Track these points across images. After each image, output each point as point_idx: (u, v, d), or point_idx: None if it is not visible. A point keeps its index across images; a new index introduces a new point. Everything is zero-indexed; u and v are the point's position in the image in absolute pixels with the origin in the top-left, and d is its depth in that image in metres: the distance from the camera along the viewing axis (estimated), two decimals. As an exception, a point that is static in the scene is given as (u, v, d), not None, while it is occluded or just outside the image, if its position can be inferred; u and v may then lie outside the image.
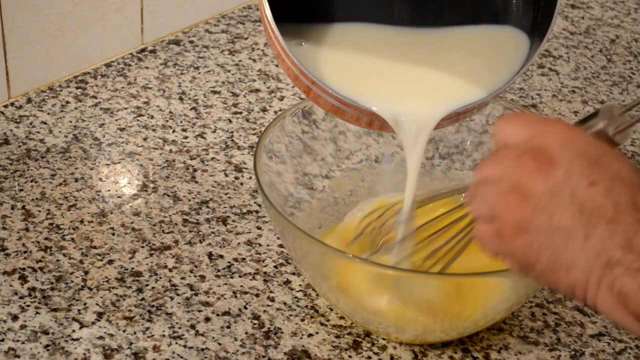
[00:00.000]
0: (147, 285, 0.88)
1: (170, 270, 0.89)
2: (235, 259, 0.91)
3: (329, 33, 0.82)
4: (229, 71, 1.17)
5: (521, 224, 0.60)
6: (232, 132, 1.07)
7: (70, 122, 1.07)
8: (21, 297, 0.85)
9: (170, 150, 1.04)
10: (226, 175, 1.01)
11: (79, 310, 0.85)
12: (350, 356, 0.82)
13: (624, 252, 0.57)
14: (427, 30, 0.83)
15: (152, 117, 1.09)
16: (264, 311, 0.86)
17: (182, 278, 0.88)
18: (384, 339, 0.84)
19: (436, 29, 0.83)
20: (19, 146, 1.03)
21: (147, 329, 0.83)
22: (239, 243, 0.93)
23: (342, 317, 0.86)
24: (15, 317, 0.83)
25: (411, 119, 0.79)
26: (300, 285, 0.89)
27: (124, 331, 0.83)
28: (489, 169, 0.62)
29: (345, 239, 0.89)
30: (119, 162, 1.02)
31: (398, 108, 0.79)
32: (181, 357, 0.81)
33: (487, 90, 0.79)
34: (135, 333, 0.83)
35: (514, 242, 0.61)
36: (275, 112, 1.11)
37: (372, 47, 0.82)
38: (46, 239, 0.91)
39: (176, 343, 0.82)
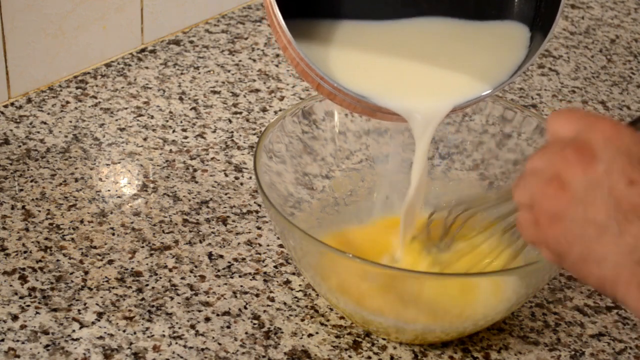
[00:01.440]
0: (147, 285, 0.88)
1: (170, 270, 0.89)
2: (235, 259, 0.91)
3: (334, 29, 0.82)
4: (229, 71, 1.17)
5: (557, 213, 0.61)
6: (232, 132, 1.07)
7: (70, 122, 1.07)
8: (21, 297, 0.85)
9: (170, 150, 1.04)
10: (226, 175, 1.01)
11: (79, 310, 0.85)
12: (350, 356, 0.82)
13: None
14: (430, 22, 0.83)
15: (152, 117, 1.09)
16: (264, 311, 0.86)
17: (182, 278, 0.88)
18: (384, 339, 0.84)
19: (440, 21, 0.83)
20: (19, 146, 1.03)
21: (147, 329, 0.83)
22: (239, 243, 0.93)
23: (342, 317, 0.86)
24: (15, 317, 0.83)
25: (418, 113, 0.80)
26: (300, 285, 0.89)
27: (124, 331, 0.83)
28: (537, 159, 0.64)
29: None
30: (119, 162, 1.02)
31: (406, 103, 0.80)
32: (181, 357, 0.81)
33: (491, 83, 0.80)
34: (135, 333, 0.83)
35: (549, 230, 0.62)
36: (275, 112, 1.11)
37: (376, 43, 0.82)
38: (46, 239, 0.91)
39: (176, 343, 0.82)
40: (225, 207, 0.97)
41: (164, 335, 0.83)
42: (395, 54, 0.82)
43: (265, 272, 0.90)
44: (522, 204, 0.64)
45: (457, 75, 0.81)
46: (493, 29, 0.83)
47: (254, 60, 1.20)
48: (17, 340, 0.81)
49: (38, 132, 1.05)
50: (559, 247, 0.62)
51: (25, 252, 0.90)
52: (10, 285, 0.86)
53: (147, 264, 0.90)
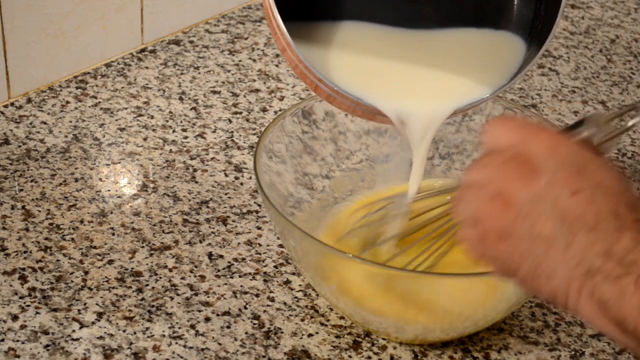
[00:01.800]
0: (147, 285, 0.88)
1: (170, 270, 0.89)
2: (235, 259, 0.91)
3: (334, 32, 0.82)
4: (229, 71, 1.17)
5: (503, 230, 0.61)
6: (232, 132, 1.07)
7: (70, 122, 1.07)
8: (21, 297, 0.85)
9: (170, 150, 1.04)
10: (226, 175, 1.01)
11: (79, 310, 0.85)
12: (350, 356, 0.82)
13: (604, 261, 0.58)
14: (428, 31, 0.83)
15: (152, 117, 1.09)
16: (264, 311, 0.86)
17: (182, 278, 0.88)
18: (384, 339, 0.84)
19: (437, 30, 0.83)
20: (19, 146, 1.03)
21: (147, 329, 0.83)
22: (239, 243, 0.93)
23: (342, 317, 0.86)
24: (15, 317, 0.83)
25: (418, 118, 0.80)
26: (300, 285, 0.89)
27: (124, 331, 0.83)
28: (475, 173, 0.63)
29: (336, 231, 0.89)
30: (119, 162, 1.02)
31: (405, 107, 0.80)
32: (181, 357, 0.81)
33: (489, 89, 0.80)
34: (135, 333, 0.83)
35: (497, 248, 0.62)
36: (275, 112, 1.11)
37: (376, 47, 0.82)
38: (46, 239, 0.91)
39: (176, 343, 0.82)
40: (225, 207, 0.97)
41: (164, 335, 0.83)
42: (393, 59, 0.82)
43: (265, 272, 0.90)
44: (464, 220, 0.64)
45: (455, 80, 0.81)
46: (491, 35, 0.84)
47: (254, 60, 1.20)
48: (17, 340, 0.81)
49: (38, 132, 1.05)
50: (508, 264, 0.62)
51: (25, 252, 0.90)
52: (10, 285, 0.86)
53: (147, 264, 0.90)
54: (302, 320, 0.85)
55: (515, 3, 0.84)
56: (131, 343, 0.82)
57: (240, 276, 0.89)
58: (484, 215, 0.62)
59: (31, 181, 0.98)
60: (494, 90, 0.80)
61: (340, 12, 0.83)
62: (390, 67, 0.82)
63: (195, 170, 1.01)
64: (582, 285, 0.59)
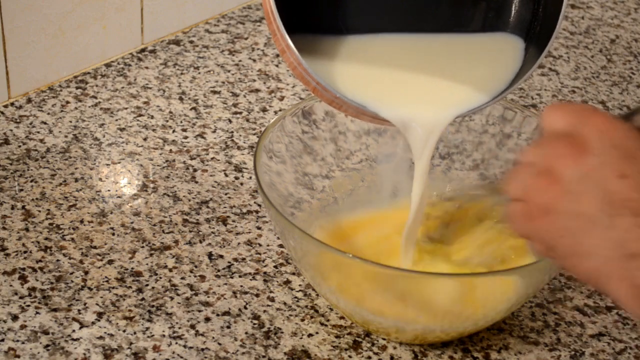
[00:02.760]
0: (147, 285, 0.88)
1: (170, 270, 0.89)
2: (235, 259, 0.91)
3: (335, 38, 0.82)
4: (229, 71, 1.17)
5: (548, 205, 0.61)
6: (232, 132, 1.07)
7: (70, 122, 1.07)
8: (21, 297, 0.85)
9: (170, 150, 1.04)
10: (226, 175, 1.01)
11: (79, 310, 0.85)
12: (350, 356, 0.82)
13: None
14: (427, 36, 0.84)
15: (152, 117, 1.09)
16: (264, 311, 0.86)
17: (182, 278, 0.88)
18: (384, 339, 0.84)
19: (436, 35, 0.84)
20: (19, 146, 1.03)
21: (147, 329, 0.83)
22: (239, 243, 0.93)
23: (342, 317, 0.86)
24: (15, 317, 0.83)
25: (420, 125, 0.80)
26: (300, 285, 0.89)
27: (124, 331, 0.83)
28: (530, 153, 0.64)
29: (336, 237, 0.89)
30: (119, 162, 1.02)
31: (406, 114, 0.80)
32: (181, 357, 0.81)
33: (489, 94, 0.80)
34: (135, 333, 0.83)
35: (540, 222, 0.62)
36: (275, 112, 1.11)
37: (375, 53, 0.82)
38: (46, 239, 0.91)
39: (176, 343, 0.82)
40: (225, 207, 0.97)
41: (164, 335, 0.83)
42: (393, 65, 0.82)
43: (265, 272, 0.90)
44: (514, 197, 0.64)
45: (456, 86, 0.82)
46: (489, 39, 0.84)
47: (254, 60, 1.20)
48: (17, 340, 0.81)
49: (38, 132, 1.05)
50: (549, 240, 0.62)
51: (25, 252, 0.90)
52: (10, 285, 0.86)
53: (147, 264, 0.90)
54: (302, 320, 0.85)
55: (514, 5, 0.84)
56: (131, 343, 0.82)
57: (240, 276, 0.89)
58: (531, 190, 0.62)
59: (31, 181, 0.98)
60: (495, 96, 0.81)
61: (341, 22, 0.83)
62: (391, 73, 0.82)
63: (195, 170, 1.01)
64: (620, 268, 0.59)
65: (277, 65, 1.19)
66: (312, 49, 0.80)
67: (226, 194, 0.99)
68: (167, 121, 1.08)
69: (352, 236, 0.90)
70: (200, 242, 0.92)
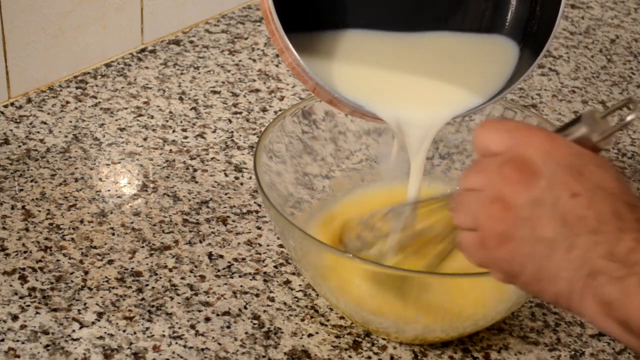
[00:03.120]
0: (147, 285, 0.88)
1: (170, 270, 0.89)
2: (235, 259, 0.91)
3: (332, 37, 0.82)
4: (229, 71, 1.17)
5: (504, 234, 0.61)
6: (232, 132, 1.07)
7: (70, 122, 1.07)
8: (21, 297, 0.85)
9: (170, 150, 1.04)
10: (226, 175, 1.01)
11: (79, 310, 0.85)
12: (350, 356, 0.82)
13: (607, 262, 0.58)
14: (424, 34, 0.84)
15: (152, 117, 1.09)
16: (264, 311, 0.86)
17: (182, 278, 0.89)
18: (384, 339, 0.84)
19: (433, 33, 0.84)
20: (19, 146, 1.03)
21: (147, 329, 0.83)
22: (239, 243, 0.93)
23: (342, 317, 0.86)
24: (15, 317, 0.83)
25: (415, 125, 0.80)
26: (300, 285, 0.89)
27: (124, 331, 0.83)
28: (472, 178, 0.63)
29: (330, 225, 0.89)
30: (119, 162, 1.02)
31: (402, 114, 0.80)
32: (181, 357, 0.81)
33: (485, 95, 0.81)
34: (135, 333, 0.83)
35: (498, 252, 0.61)
36: (275, 112, 1.11)
37: (372, 52, 0.82)
38: (46, 239, 0.91)
39: (176, 343, 0.82)
40: (225, 207, 0.97)
41: (164, 335, 0.83)
42: (390, 65, 0.82)
43: (265, 272, 0.90)
44: (464, 226, 0.64)
45: (452, 87, 0.82)
46: (485, 39, 0.84)
47: (254, 60, 1.20)
48: (17, 340, 0.81)
49: (38, 132, 1.05)
50: (510, 268, 0.62)
51: (25, 252, 0.90)
52: (10, 285, 0.86)
53: (147, 264, 0.90)
54: (302, 320, 0.85)
55: (511, 5, 0.84)
56: (131, 343, 0.82)
57: (240, 276, 0.89)
58: (484, 219, 0.61)
59: (31, 181, 0.98)
60: (491, 97, 0.81)
61: (336, 21, 0.83)
62: (388, 73, 0.82)
63: (195, 170, 1.01)
64: (586, 286, 0.58)
65: (277, 65, 1.19)
66: (311, 48, 0.80)
67: (226, 194, 0.99)
68: (167, 121, 1.08)
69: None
70: (200, 242, 0.92)
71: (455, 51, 0.84)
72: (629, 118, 0.64)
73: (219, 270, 0.90)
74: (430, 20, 0.84)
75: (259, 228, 0.95)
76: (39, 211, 0.94)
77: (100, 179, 1.00)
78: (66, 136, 1.04)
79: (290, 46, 0.75)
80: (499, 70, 0.82)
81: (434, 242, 0.81)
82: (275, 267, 0.91)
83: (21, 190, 0.97)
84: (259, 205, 0.97)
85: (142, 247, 0.91)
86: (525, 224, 0.60)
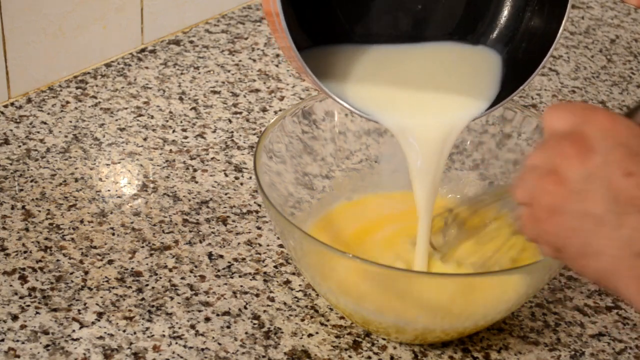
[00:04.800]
0: (147, 285, 0.88)
1: (170, 270, 0.89)
2: (235, 259, 0.91)
3: (331, 53, 0.83)
4: (229, 71, 1.17)
5: (555, 207, 0.61)
6: (232, 132, 1.07)
7: (70, 122, 1.07)
8: (21, 297, 0.85)
9: (170, 150, 1.04)
10: (226, 175, 1.01)
11: (79, 310, 0.85)
12: (350, 356, 0.82)
13: None
14: (425, 46, 0.85)
15: (152, 117, 1.09)
16: (264, 311, 0.86)
17: (182, 278, 0.89)
18: (384, 339, 0.84)
19: (431, 44, 0.85)
20: (19, 146, 1.03)
21: (147, 329, 0.83)
22: (239, 243, 0.93)
23: (342, 317, 0.86)
24: (15, 317, 0.83)
25: (423, 136, 0.81)
26: (300, 285, 0.89)
27: (124, 331, 0.83)
28: (534, 157, 0.63)
29: (327, 224, 0.90)
30: (119, 162, 1.02)
31: (408, 124, 0.81)
32: (181, 357, 0.81)
33: (488, 104, 0.82)
34: (135, 333, 0.83)
35: (547, 224, 0.62)
36: (275, 112, 1.11)
37: (378, 64, 0.83)
38: (46, 239, 0.91)
39: (176, 343, 0.82)
40: (225, 207, 0.97)
41: (164, 335, 0.83)
42: (395, 77, 0.83)
43: (265, 272, 0.90)
44: (521, 202, 0.64)
45: (456, 99, 0.83)
46: (482, 51, 0.85)
47: (254, 60, 1.20)
48: (17, 340, 0.81)
49: (38, 132, 1.05)
50: (557, 241, 0.62)
51: (25, 252, 0.90)
52: (10, 285, 0.86)
53: (147, 264, 0.90)
54: (302, 320, 0.85)
55: (503, 17, 0.85)
56: (131, 343, 0.82)
57: (240, 276, 0.89)
58: (537, 192, 0.62)
59: (31, 181, 0.98)
60: (494, 100, 0.82)
61: (343, 33, 0.84)
62: (393, 83, 0.83)
63: (195, 170, 1.01)
64: (631, 266, 0.58)
65: (277, 65, 1.19)
66: (314, 56, 0.81)
67: (226, 194, 0.99)
68: (167, 121, 1.08)
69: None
70: (200, 242, 0.92)
71: (453, 60, 0.85)
72: None
73: (219, 270, 0.90)
74: (430, 31, 0.85)
75: (259, 228, 0.95)
76: (39, 211, 0.94)
77: (100, 179, 1.00)
78: (66, 136, 1.04)
79: (295, 48, 0.75)
80: (492, 79, 0.83)
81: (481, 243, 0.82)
82: (275, 267, 0.91)
83: (21, 190, 0.97)
84: (259, 205, 0.97)
85: (142, 247, 0.91)
86: (576, 198, 0.60)
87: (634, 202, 0.58)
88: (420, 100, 0.83)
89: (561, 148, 0.61)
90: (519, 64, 0.83)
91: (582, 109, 0.63)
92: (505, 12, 0.85)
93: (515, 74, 0.83)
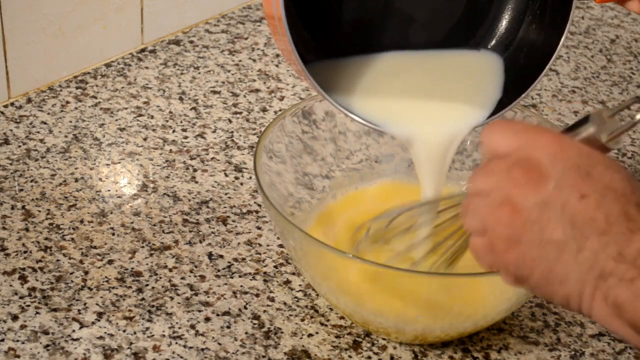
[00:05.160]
0: (147, 285, 0.88)
1: (170, 270, 0.89)
2: (235, 259, 0.91)
3: (339, 63, 0.83)
4: (229, 71, 1.17)
5: (512, 237, 0.60)
6: (232, 132, 1.07)
7: (70, 122, 1.07)
8: (21, 297, 0.85)
9: (170, 150, 1.04)
10: (226, 175, 1.01)
11: (79, 310, 0.85)
12: (350, 356, 0.82)
13: (617, 263, 0.57)
14: (427, 53, 0.85)
15: (152, 117, 1.09)
16: (264, 311, 0.86)
17: (182, 278, 0.89)
18: (384, 339, 0.84)
19: (435, 52, 0.85)
20: (19, 146, 1.03)
21: (147, 329, 0.83)
22: (239, 243, 0.93)
23: (342, 317, 0.86)
24: (15, 317, 0.83)
25: (429, 142, 0.82)
26: (300, 285, 0.89)
27: (124, 331, 0.83)
28: (480, 181, 0.62)
29: (326, 220, 0.90)
30: (119, 162, 1.02)
31: (415, 133, 0.82)
32: (181, 357, 0.81)
33: (490, 109, 0.83)
34: (135, 333, 0.83)
35: (507, 255, 0.61)
36: (275, 112, 1.11)
37: (381, 74, 0.83)
38: (46, 239, 0.91)
39: (176, 343, 0.82)
40: (225, 207, 0.97)
41: (164, 335, 0.83)
42: (400, 83, 0.84)
43: (265, 272, 0.90)
44: (473, 230, 0.63)
45: (461, 106, 0.84)
46: (486, 58, 0.86)
47: (254, 60, 1.20)
48: (17, 340, 0.81)
49: (38, 132, 1.05)
50: (519, 271, 0.61)
51: (25, 252, 0.90)
52: (10, 285, 0.86)
53: (147, 264, 0.90)
54: (302, 320, 0.85)
55: (504, 23, 0.85)
56: (131, 343, 0.82)
57: (240, 276, 0.89)
58: (492, 222, 0.61)
59: (31, 181, 0.98)
60: (491, 114, 0.82)
61: (343, 48, 0.84)
62: (397, 94, 0.83)
63: (195, 170, 1.01)
64: (596, 288, 0.58)
65: (277, 65, 1.19)
66: (318, 68, 0.81)
67: (226, 194, 0.99)
68: (167, 121, 1.08)
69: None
70: (200, 242, 0.92)
71: (457, 68, 0.85)
72: (638, 116, 0.63)
73: (219, 270, 0.90)
74: (431, 38, 0.85)
75: (259, 228, 0.95)
76: (39, 211, 0.94)
77: (100, 179, 1.00)
78: (66, 136, 1.04)
79: (316, 85, 0.76)
80: (495, 85, 0.84)
81: (448, 240, 0.82)
82: (275, 267, 0.91)
83: (21, 190, 0.97)
84: (259, 205, 0.97)
85: (142, 247, 0.91)
86: (534, 227, 0.60)
87: (592, 225, 0.58)
88: (426, 109, 0.83)
89: (511, 175, 0.60)
90: (521, 70, 0.84)
91: (525, 131, 0.62)
92: (506, 18, 0.85)
93: (517, 79, 0.83)
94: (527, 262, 0.60)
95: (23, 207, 0.95)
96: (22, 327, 0.83)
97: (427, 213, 0.83)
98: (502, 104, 0.83)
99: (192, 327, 0.84)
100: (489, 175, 0.62)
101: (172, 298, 0.86)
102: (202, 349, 0.82)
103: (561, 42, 0.79)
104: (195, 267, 0.90)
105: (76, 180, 0.99)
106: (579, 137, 0.64)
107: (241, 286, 0.88)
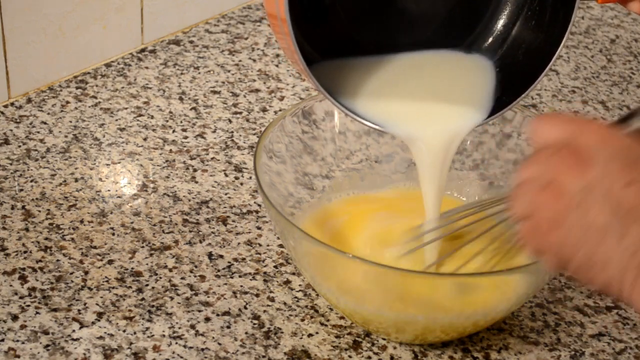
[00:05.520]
0: (147, 285, 0.88)
1: (170, 270, 0.89)
2: (235, 259, 0.91)
3: (339, 64, 0.83)
4: (229, 71, 1.17)
5: (556, 219, 0.61)
6: (232, 132, 1.07)
7: (70, 122, 1.07)
8: (21, 297, 0.85)
9: (170, 150, 1.04)
10: (226, 175, 1.01)
11: (79, 310, 0.85)
12: (350, 356, 0.82)
13: None
14: (424, 54, 0.85)
15: (152, 117, 1.09)
16: (264, 311, 0.86)
17: (182, 278, 0.89)
18: (384, 339, 0.84)
19: (435, 52, 0.85)
20: (19, 146, 1.03)
21: (147, 329, 0.83)
22: (239, 243, 0.93)
23: (342, 317, 0.86)
24: (15, 317, 0.83)
25: (430, 143, 0.82)
26: (300, 285, 0.89)
27: (124, 331, 0.83)
28: (528, 170, 0.63)
29: (320, 218, 0.90)
30: (119, 162, 1.02)
31: (417, 134, 0.82)
32: (181, 357, 0.81)
33: (488, 109, 0.83)
34: (135, 333, 0.83)
35: (550, 237, 0.62)
36: (275, 112, 1.11)
37: (381, 75, 0.84)
38: (46, 239, 0.91)
39: (176, 343, 0.82)
40: (225, 207, 0.97)
41: (164, 335, 0.83)
42: (401, 84, 0.84)
43: (265, 272, 0.90)
44: (521, 215, 0.64)
45: (460, 108, 0.83)
46: (480, 60, 0.86)
47: (254, 60, 1.20)
48: (17, 340, 0.81)
49: (38, 132, 1.05)
50: (561, 254, 0.62)
51: (25, 252, 0.90)
52: (10, 285, 0.86)
53: (147, 264, 0.90)
54: (302, 320, 0.85)
55: (500, 25, 0.85)
56: (131, 343, 0.82)
57: (240, 276, 0.89)
58: (537, 206, 0.62)
59: (31, 181, 0.98)
60: (490, 114, 0.82)
61: (341, 49, 0.84)
62: (398, 91, 0.83)
63: (195, 170, 1.01)
64: (637, 275, 0.59)
65: (277, 65, 1.19)
66: (319, 69, 0.81)
67: (226, 194, 0.99)
68: (167, 121, 1.08)
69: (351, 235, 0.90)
70: (200, 242, 0.92)
71: (454, 69, 0.85)
72: None
73: (219, 270, 0.90)
74: (425, 39, 0.86)
75: (259, 228, 0.95)
76: (39, 211, 0.94)
77: (100, 179, 1.00)
78: (66, 136, 1.04)
79: (318, 84, 0.76)
80: (494, 83, 0.84)
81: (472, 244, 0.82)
82: (275, 267, 0.91)
83: (21, 190, 0.97)
84: (259, 205, 0.97)
85: (142, 247, 0.91)
86: (578, 210, 0.60)
87: (636, 211, 0.59)
88: (427, 109, 0.83)
89: (559, 159, 0.61)
90: (521, 69, 0.84)
91: (572, 121, 0.63)
92: (503, 16, 0.85)
93: (516, 78, 0.83)
94: (569, 245, 0.61)
95: (23, 207, 0.95)
96: (22, 327, 0.83)
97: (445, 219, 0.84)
98: (502, 103, 0.83)
99: (192, 327, 0.84)
100: (536, 163, 0.63)
101: (172, 298, 0.86)
102: (202, 349, 0.82)
103: (562, 42, 0.79)
104: (195, 267, 0.90)
105: (76, 180, 0.99)
106: (627, 130, 0.64)
107: (241, 286, 0.88)
